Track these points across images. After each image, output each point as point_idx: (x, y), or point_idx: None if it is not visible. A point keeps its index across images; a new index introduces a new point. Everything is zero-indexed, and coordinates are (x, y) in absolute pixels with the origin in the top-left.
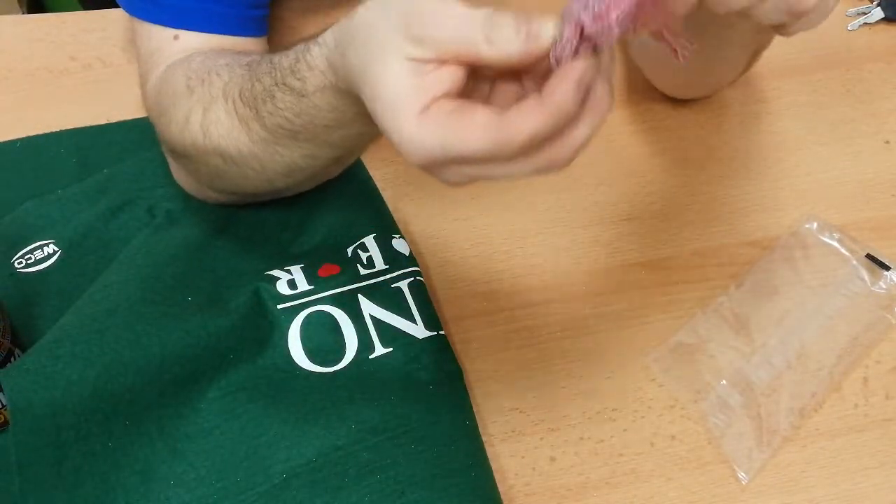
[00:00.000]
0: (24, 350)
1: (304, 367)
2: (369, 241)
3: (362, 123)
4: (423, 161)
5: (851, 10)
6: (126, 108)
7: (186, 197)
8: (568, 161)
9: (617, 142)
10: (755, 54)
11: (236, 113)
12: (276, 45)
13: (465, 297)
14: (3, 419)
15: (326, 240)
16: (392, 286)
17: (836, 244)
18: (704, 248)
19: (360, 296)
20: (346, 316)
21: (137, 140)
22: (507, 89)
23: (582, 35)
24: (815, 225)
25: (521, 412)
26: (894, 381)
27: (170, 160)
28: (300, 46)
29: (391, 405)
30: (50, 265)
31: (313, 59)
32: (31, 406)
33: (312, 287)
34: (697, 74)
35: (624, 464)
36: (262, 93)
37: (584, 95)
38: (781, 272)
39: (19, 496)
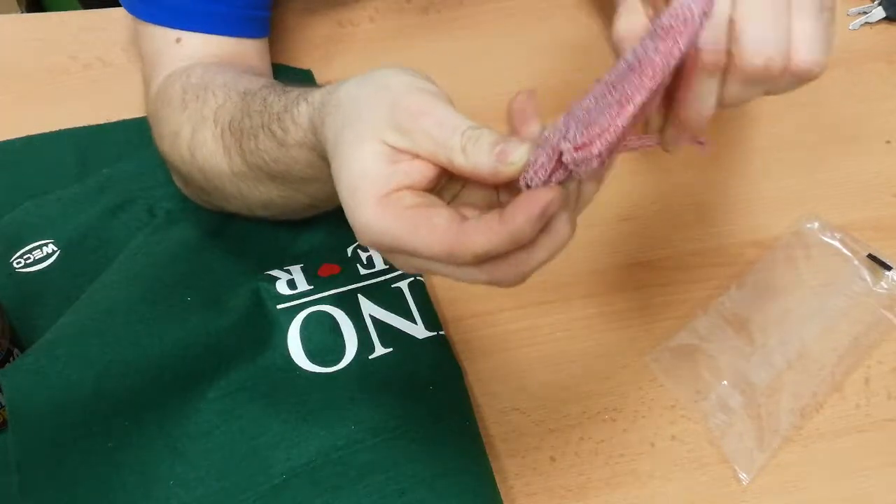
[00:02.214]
0: (23, 350)
1: (303, 367)
2: None
3: (318, 163)
4: (372, 245)
5: (853, 10)
6: (126, 107)
7: (186, 197)
8: (517, 282)
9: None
10: None
11: (222, 140)
12: (276, 45)
13: (465, 297)
14: (1, 419)
15: (326, 240)
16: (392, 286)
17: (837, 244)
18: (704, 248)
19: (359, 296)
20: (345, 316)
21: (137, 140)
22: (478, 190)
23: (558, 163)
24: (817, 225)
25: (521, 412)
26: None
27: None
28: (293, 95)
29: (391, 405)
30: (49, 265)
31: (299, 114)
32: (30, 406)
33: (312, 287)
34: None
35: (624, 464)
36: (248, 129)
37: (546, 223)
38: (782, 272)
39: (19, 496)
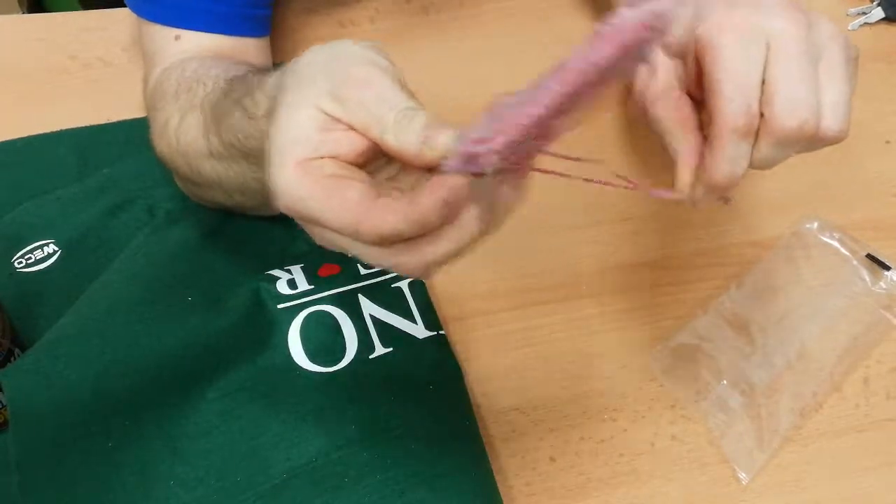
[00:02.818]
0: (23, 350)
1: (304, 366)
2: None
3: None
4: (287, 211)
5: (852, 10)
6: (126, 107)
7: (186, 197)
8: (421, 272)
9: (617, 141)
10: None
11: (203, 122)
12: (276, 45)
13: (465, 297)
14: (2, 419)
15: None
16: (392, 286)
17: (836, 244)
18: (704, 248)
19: (360, 295)
20: (346, 316)
21: (137, 140)
22: (413, 176)
23: (469, 159)
24: (816, 225)
25: (521, 412)
26: (895, 382)
27: None
28: (267, 74)
29: (391, 405)
30: (50, 265)
31: (268, 85)
32: (30, 406)
33: (312, 287)
34: None
35: (624, 464)
36: (227, 107)
37: (452, 213)
38: (782, 272)
39: (19, 496)
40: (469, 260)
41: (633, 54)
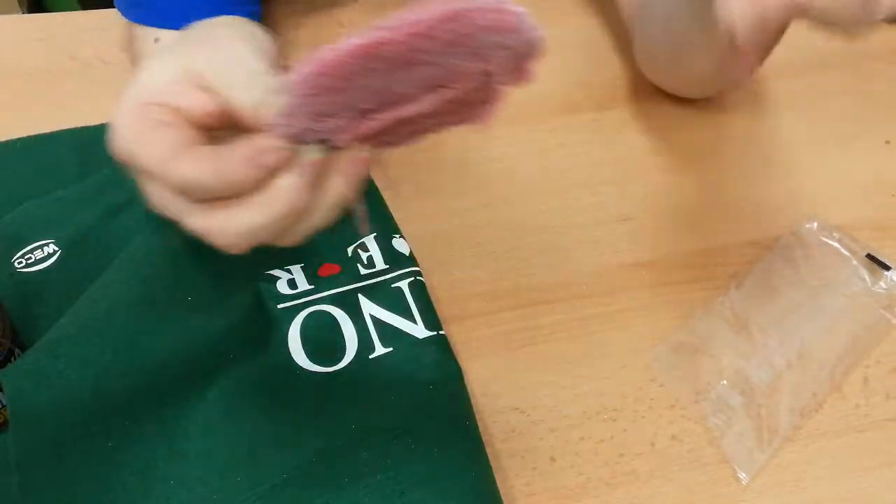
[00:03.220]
0: (24, 350)
1: (304, 366)
2: (370, 240)
3: None
4: (115, 154)
5: None
6: None
7: None
8: (232, 241)
9: (617, 141)
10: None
11: None
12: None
13: (465, 297)
14: (1, 419)
15: (326, 239)
16: (392, 286)
17: (836, 244)
18: (704, 248)
19: (360, 295)
20: (346, 316)
21: None
22: None
23: (285, 119)
24: (816, 225)
25: (521, 412)
26: (895, 382)
27: None
28: None
29: (391, 405)
30: (50, 265)
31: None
32: (31, 405)
33: (313, 287)
34: (687, 72)
35: (624, 464)
36: None
37: (263, 174)
38: (782, 272)
39: (19, 495)
40: (469, 260)
41: (467, 48)
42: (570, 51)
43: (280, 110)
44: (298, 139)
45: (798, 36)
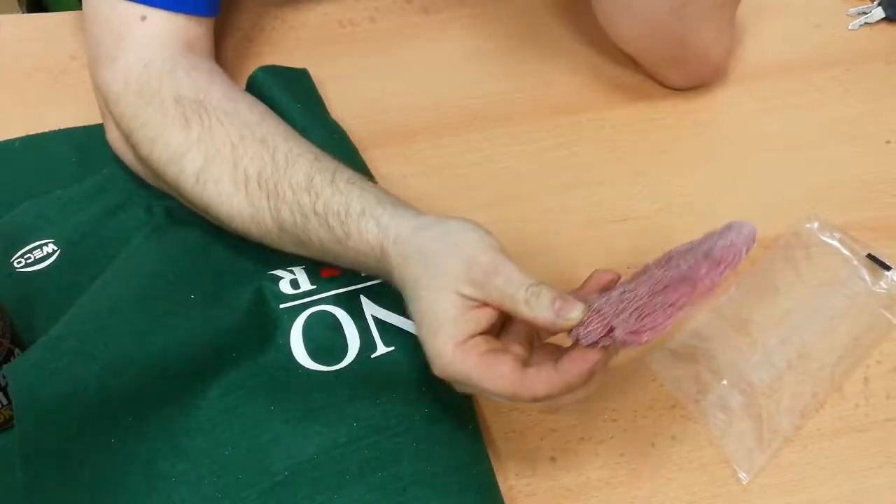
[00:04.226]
0: (23, 350)
1: (305, 365)
2: None
3: (375, 271)
4: (445, 378)
5: (852, 10)
6: None
7: None
8: (554, 410)
9: (617, 141)
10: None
11: (246, 190)
12: (277, 45)
13: None
14: (2, 419)
15: None
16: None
17: (836, 244)
18: None
19: (362, 296)
20: (347, 315)
21: None
22: (522, 328)
23: (608, 333)
24: (816, 225)
25: (521, 412)
26: (895, 382)
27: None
28: (354, 202)
29: (393, 403)
30: (49, 265)
31: (367, 232)
32: (35, 401)
33: (315, 287)
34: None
35: (624, 464)
36: (291, 200)
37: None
38: (782, 272)
39: (22, 491)
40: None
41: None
42: (570, 51)
43: (591, 326)
44: (606, 344)
45: (798, 36)
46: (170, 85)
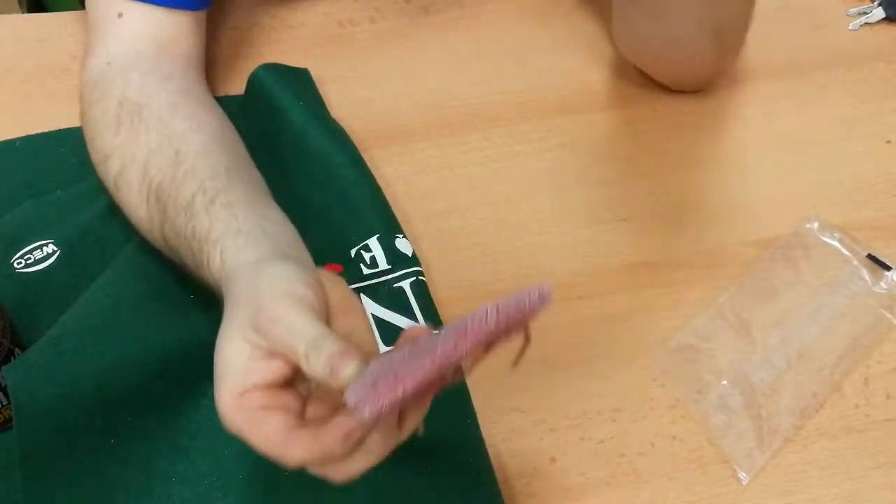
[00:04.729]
0: (23, 350)
1: None
2: (372, 241)
3: None
4: (230, 432)
5: (852, 10)
6: None
7: None
8: (346, 481)
9: (617, 142)
10: (718, 31)
11: (147, 202)
12: (278, 45)
13: (466, 297)
14: (2, 419)
15: (329, 240)
16: (394, 286)
17: (836, 244)
18: (704, 248)
19: (362, 295)
20: None
21: None
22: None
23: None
24: (816, 225)
25: (521, 412)
26: (895, 382)
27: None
28: (216, 230)
29: None
30: (50, 265)
31: (212, 262)
32: (34, 401)
33: None
34: (671, 55)
35: (624, 464)
36: (173, 221)
37: (355, 443)
38: (782, 272)
39: (22, 491)
40: (469, 260)
41: (501, 333)
42: (570, 51)
43: (359, 384)
44: (377, 415)
45: (798, 36)
46: (121, 85)
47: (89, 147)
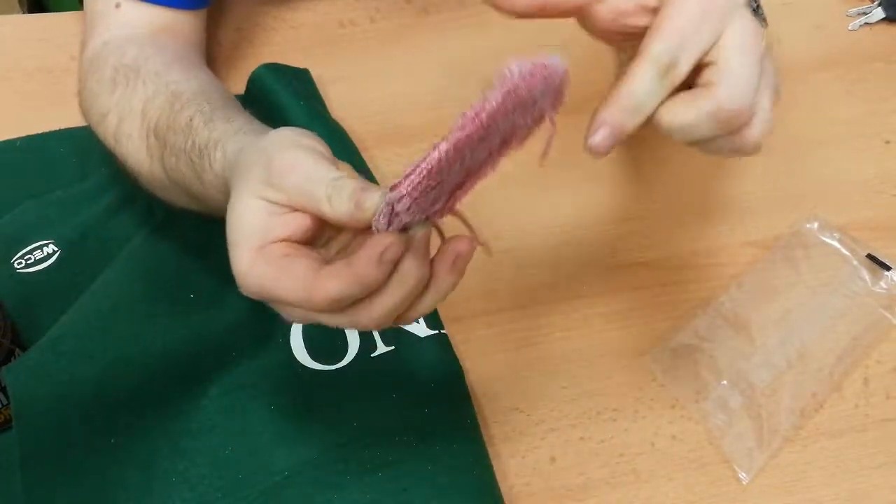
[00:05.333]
0: (24, 350)
1: (306, 364)
2: None
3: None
4: (250, 294)
5: (852, 10)
6: None
7: None
8: (378, 325)
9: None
10: None
11: (147, 142)
12: (276, 45)
13: (466, 297)
14: (2, 419)
15: None
16: None
17: (836, 244)
18: (704, 248)
19: None
20: None
21: None
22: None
23: (392, 213)
24: (816, 225)
25: (521, 412)
26: (895, 382)
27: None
28: (216, 132)
29: (393, 403)
30: (50, 265)
31: (215, 160)
32: (34, 401)
33: None
34: None
35: (624, 464)
36: (172, 145)
37: (391, 267)
38: (782, 272)
39: (22, 491)
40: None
41: (526, 106)
42: (570, 51)
43: (382, 210)
44: (405, 227)
45: (798, 36)
46: (116, 56)
47: (86, 115)
